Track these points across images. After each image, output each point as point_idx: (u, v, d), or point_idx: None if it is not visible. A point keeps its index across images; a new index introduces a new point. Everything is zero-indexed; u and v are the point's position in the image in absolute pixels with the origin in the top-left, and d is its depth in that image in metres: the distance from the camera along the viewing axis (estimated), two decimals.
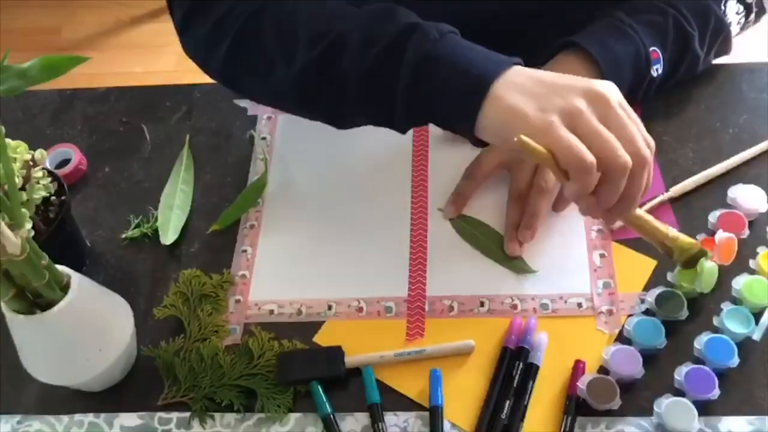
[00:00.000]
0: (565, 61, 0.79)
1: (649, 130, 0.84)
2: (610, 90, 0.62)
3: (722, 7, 0.83)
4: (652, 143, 0.63)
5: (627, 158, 0.60)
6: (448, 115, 0.67)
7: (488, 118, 0.64)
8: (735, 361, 0.67)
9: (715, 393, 0.65)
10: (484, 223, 0.80)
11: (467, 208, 0.81)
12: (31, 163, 0.73)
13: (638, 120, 0.63)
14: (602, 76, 0.77)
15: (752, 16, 0.86)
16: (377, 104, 0.69)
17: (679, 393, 0.67)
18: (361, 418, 0.69)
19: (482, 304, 0.75)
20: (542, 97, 0.62)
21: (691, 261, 0.70)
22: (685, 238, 0.69)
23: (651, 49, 0.79)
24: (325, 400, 0.69)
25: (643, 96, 0.82)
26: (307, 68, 0.70)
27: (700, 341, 0.68)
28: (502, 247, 0.78)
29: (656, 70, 0.80)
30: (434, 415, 0.68)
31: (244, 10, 0.73)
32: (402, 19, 0.68)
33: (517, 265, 0.77)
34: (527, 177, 0.78)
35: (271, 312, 0.77)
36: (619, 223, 0.78)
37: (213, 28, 0.75)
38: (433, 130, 0.88)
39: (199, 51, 0.79)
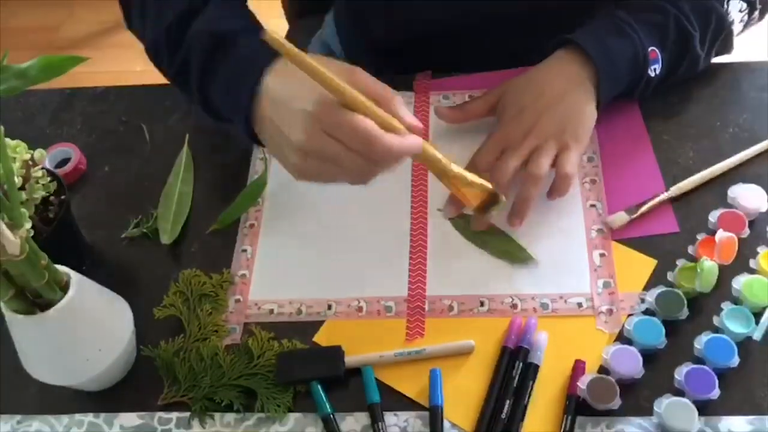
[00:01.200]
0: (562, 59, 0.79)
1: (649, 129, 0.85)
2: (298, 137, 0.65)
3: (725, 6, 0.83)
4: None
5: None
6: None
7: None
8: (735, 361, 0.67)
9: (715, 393, 0.65)
10: None
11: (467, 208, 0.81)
12: (30, 162, 0.73)
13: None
14: (597, 74, 0.77)
15: (756, 13, 0.86)
16: (193, 99, 0.81)
17: (679, 393, 0.67)
18: (361, 418, 0.69)
19: (482, 304, 0.75)
20: (276, 150, 0.70)
21: (483, 205, 0.72)
22: (470, 176, 0.70)
23: (650, 49, 0.79)
24: (325, 399, 0.69)
25: (641, 95, 0.83)
26: (153, 47, 0.83)
27: (700, 341, 0.68)
28: (503, 244, 0.77)
29: (654, 70, 0.80)
30: (434, 415, 0.68)
31: None
32: (198, 21, 0.78)
33: (517, 255, 0.77)
34: (515, 128, 0.79)
35: (271, 312, 0.77)
36: (619, 223, 0.78)
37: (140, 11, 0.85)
38: (433, 129, 0.88)
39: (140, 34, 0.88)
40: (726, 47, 0.86)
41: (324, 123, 0.64)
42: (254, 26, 0.77)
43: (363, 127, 0.63)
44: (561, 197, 0.78)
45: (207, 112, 0.80)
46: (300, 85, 0.65)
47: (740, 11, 0.84)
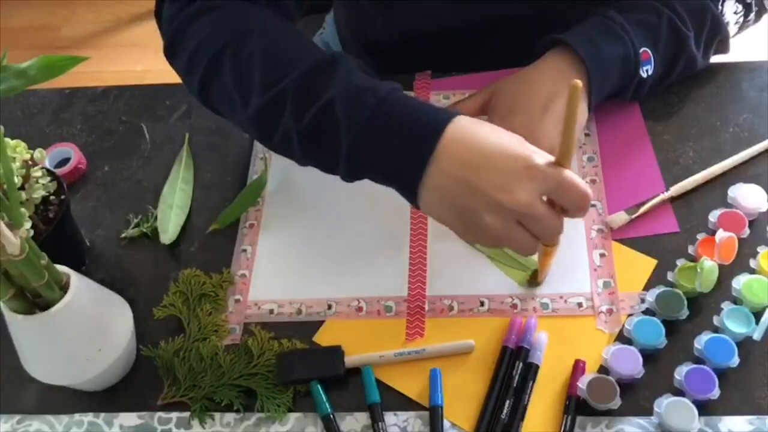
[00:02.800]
0: (553, 59, 0.79)
1: (649, 129, 0.85)
2: (518, 200, 0.62)
3: (720, 7, 0.83)
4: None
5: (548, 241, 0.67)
6: (394, 188, 0.69)
7: (425, 209, 0.67)
8: (735, 360, 0.67)
9: (715, 393, 0.65)
10: None
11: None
12: (30, 162, 0.73)
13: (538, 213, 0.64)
14: (588, 75, 0.77)
15: (752, 15, 0.86)
16: (318, 159, 0.71)
17: (679, 393, 0.67)
18: (361, 418, 0.69)
19: (482, 304, 0.75)
20: (464, 213, 0.64)
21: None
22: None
23: (641, 49, 0.79)
24: (324, 399, 0.69)
25: (634, 96, 0.83)
26: (260, 115, 0.72)
27: (700, 341, 0.68)
28: (511, 255, 0.77)
29: (646, 71, 0.80)
30: (434, 415, 0.68)
31: (210, 49, 0.74)
32: (339, 77, 0.68)
33: (516, 258, 0.77)
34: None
35: (271, 311, 0.77)
36: (619, 223, 0.78)
37: (188, 62, 0.76)
38: None
39: (183, 79, 0.81)
40: (723, 48, 0.86)
41: (548, 184, 0.62)
42: (398, 86, 0.69)
43: (587, 191, 0.62)
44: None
45: (349, 168, 0.68)
46: (499, 145, 0.63)
47: (735, 13, 0.84)
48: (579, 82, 0.60)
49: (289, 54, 0.72)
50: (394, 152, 0.66)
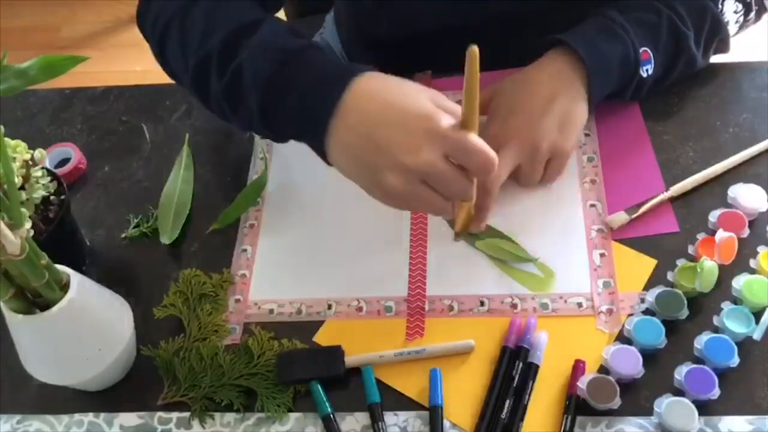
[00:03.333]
0: (553, 59, 0.79)
1: (649, 129, 0.85)
2: (418, 160, 0.62)
3: (720, 6, 0.83)
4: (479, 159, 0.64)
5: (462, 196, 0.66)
6: (303, 142, 0.71)
7: (334, 165, 0.68)
8: (735, 360, 0.67)
9: (715, 393, 0.65)
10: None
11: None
12: (30, 162, 0.73)
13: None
14: (588, 75, 0.77)
15: (752, 14, 0.86)
16: (240, 120, 0.73)
17: (679, 393, 0.67)
18: (361, 418, 0.69)
19: (482, 304, 0.75)
20: (369, 170, 0.64)
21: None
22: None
23: (642, 49, 0.79)
24: (325, 399, 0.69)
25: (634, 95, 0.83)
26: (194, 77, 0.75)
27: (700, 341, 0.68)
28: (502, 245, 0.78)
29: (646, 70, 0.80)
30: (434, 415, 0.68)
31: (165, 14, 0.78)
32: (256, 35, 0.70)
33: (516, 256, 0.77)
34: (506, 130, 0.78)
35: (271, 311, 0.77)
36: (619, 223, 0.78)
37: (150, 30, 0.81)
38: None
39: (150, 47, 0.84)
40: (723, 47, 0.86)
41: (450, 146, 0.62)
42: (318, 44, 0.72)
43: (491, 155, 0.62)
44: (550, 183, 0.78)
45: (265, 127, 0.72)
46: (404, 102, 0.63)
47: (735, 12, 0.84)
48: (475, 49, 0.60)
49: (223, 17, 0.74)
50: (300, 106, 0.67)
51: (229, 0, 0.77)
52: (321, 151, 0.68)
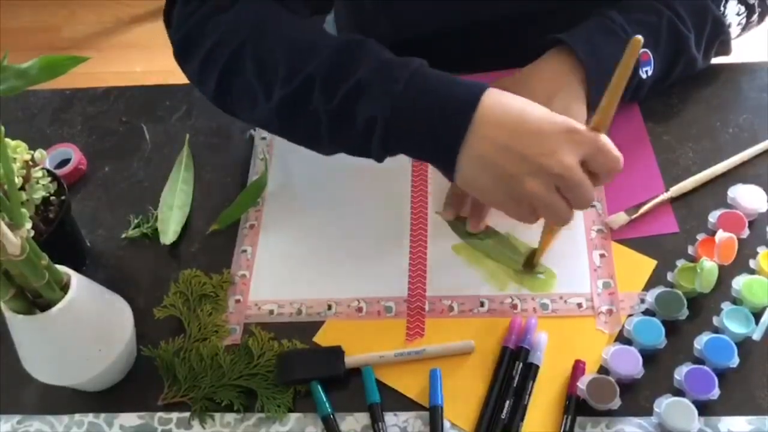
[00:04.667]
0: (552, 60, 0.79)
1: (649, 130, 0.85)
2: (562, 163, 0.62)
3: (722, 8, 0.83)
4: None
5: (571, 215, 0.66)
6: (428, 161, 0.69)
7: (463, 181, 0.67)
8: (735, 361, 0.67)
9: (715, 393, 0.65)
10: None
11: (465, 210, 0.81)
12: (30, 162, 0.73)
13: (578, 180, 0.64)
14: (587, 76, 0.77)
15: (755, 16, 0.86)
16: (349, 140, 0.71)
17: (679, 393, 0.67)
18: (361, 418, 0.69)
19: (482, 304, 0.75)
20: (506, 180, 0.64)
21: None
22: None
23: (641, 50, 0.79)
24: (325, 400, 0.69)
25: (634, 96, 0.83)
26: (283, 104, 0.71)
27: (700, 341, 0.68)
28: (501, 245, 0.78)
29: (646, 72, 0.80)
30: (434, 415, 0.68)
31: (228, 47, 0.74)
32: (367, 56, 0.68)
33: (515, 256, 0.77)
34: None
35: (271, 312, 0.77)
36: (619, 223, 0.78)
37: (201, 64, 0.76)
38: None
39: (195, 83, 0.80)
40: (724, 49, 0.86)
41: (588, 147, 0.62)
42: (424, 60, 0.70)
43: (620, 156, 0.63)
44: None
45: (383, 146, 0.68)
46: (538, 111, 0.63)
47: (738, 14, 0.84)
48: (640, 37, 0.60)
49: (311, 42, 0.72)
50: (430, 122, 0.65)
51: (300, 22, 0.75)
52: (448, 168, 0.67)
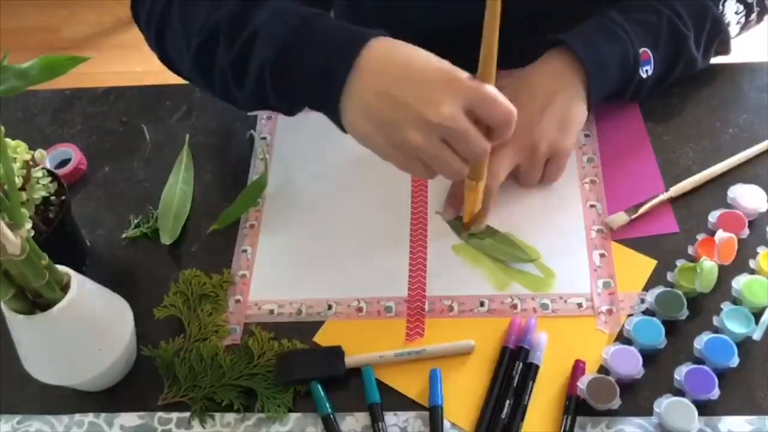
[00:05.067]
0: (552, 60, 0.80)
1: (649, 130, 0.85)
2: (441, 112, 0.62)
3: (720, 7, 0.83)
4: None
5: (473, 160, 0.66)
6: (316, 108, 0.69)
7: (348, 128, 0.67)
8: (735, 361, 0.67)
9: (715, 393, 0.65)
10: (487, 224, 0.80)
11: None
12: (30, 162, 0.73)
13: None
14: (587, 75, 0.77)
15: (753, 15, 0.86)
16: (249, 91, 0.71)
17: (679, 393, 0.67)
18: (361, 418, 0.69)
19: (482, 304, 0.75)
20: (387, 128, 0.64)
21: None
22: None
23: (641, 50, 0.79)
24: (325, 399, 0.69)
25: (634, 96, 0.83)
26: (197, 55, 0.73)
27: (700, 341, 0.68)
28: (501, 245, 0.78)
29: (646, 71, 0.80)
30: (434, 415, 0.68)
31: (160, 5, 0.77)
32: (268, 5, 0.69)
33: (515, 256, 0.77)
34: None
35: (271, 312, 0.77)
36: (619, 223, 0.78)
37: (147, 16, 0.79)
38: None
39: (144, 36, 0.82)
40: (724, 49, 0.86)
41: (471, 97, 0.61)
42: (325, 11, 0.70)
43: (510, 106, 0.62)
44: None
45: (277, 94, 0.70)
46: (422, 60, 0.62)
47: (737, 13, 0.84)
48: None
49: None
50: (315, 68, 0.66)
51: None
52: (336, 117, 0.67)
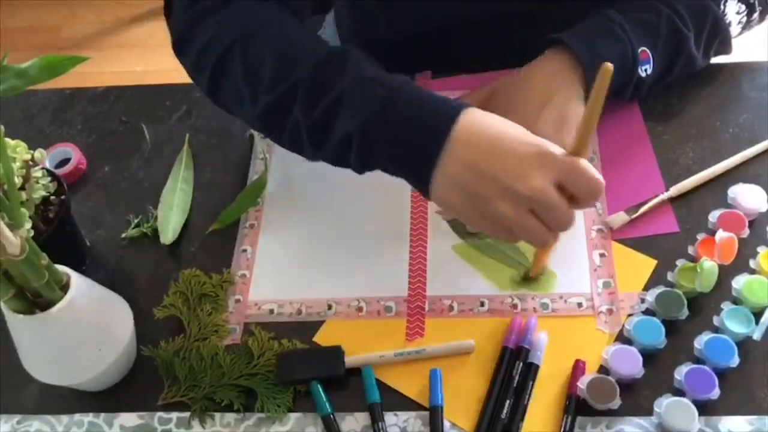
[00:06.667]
0: (550, 60, 0.79)
1: (649, 130, 0.85)
2: (532, 186, 0.62)
3: (722, 7, 0.83)
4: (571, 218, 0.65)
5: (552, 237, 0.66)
6: (400, 176, 0.69)
7: (437, 200, 0.67)
8: (735, 360, 0.67)
9: (715, 393, 0.65)
10: None
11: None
12: (30, 162, 0.73)
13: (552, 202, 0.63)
14: (585, 75, 0.77)
15: (755, 15, 0.86)
16: (329, 153, 0.71)
17: (679, 393, 0.67)
18: (361, 418, 0.69)
19: (482, 304, 0.75)
20: (477, 201, 0.64)
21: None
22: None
23: (640, 49, 0.79)
24: (325, 399, 0.69)
25: (633, 95, 0.83)
26: (267, 111, 0.72)
27: (700, 341, 0.68)
28: (500, 245, 0.78)
29: (645, 70, 0.80)
30: (434, 415, 0.68)
31: (220, 45, 0.74)
32: (349, 70, 0.68)
33: (514, 256, 0.77)
34: None
35: (271, 312, 0.77)
36: (619, 223, 0.78)
37: (196, 59, 0.77)
38: None
39: (191, 77, 0.81)
40: (725, 48, 0.86)
41: (562, 171, 0.62)
42: (409, 77, 0.69)
43: (601, 180, 0.62)
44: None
45: (361, 161, 0.69)
46: (514, 134, 0.63)
47: (738, 13, 0.84)
48: (610, 65, 0.59)
49: (298, 49, 0.72)
50: (406, 141, 0.65)
51: (292, 26, 0.75)
52: (422, 186, 0.67)
